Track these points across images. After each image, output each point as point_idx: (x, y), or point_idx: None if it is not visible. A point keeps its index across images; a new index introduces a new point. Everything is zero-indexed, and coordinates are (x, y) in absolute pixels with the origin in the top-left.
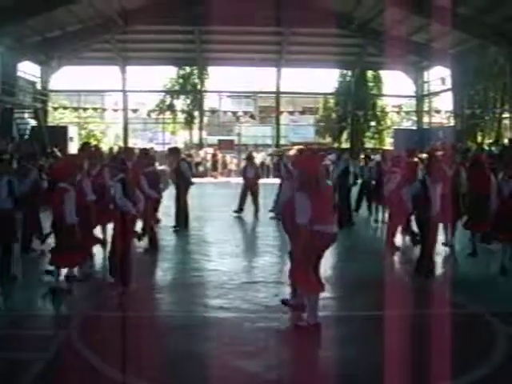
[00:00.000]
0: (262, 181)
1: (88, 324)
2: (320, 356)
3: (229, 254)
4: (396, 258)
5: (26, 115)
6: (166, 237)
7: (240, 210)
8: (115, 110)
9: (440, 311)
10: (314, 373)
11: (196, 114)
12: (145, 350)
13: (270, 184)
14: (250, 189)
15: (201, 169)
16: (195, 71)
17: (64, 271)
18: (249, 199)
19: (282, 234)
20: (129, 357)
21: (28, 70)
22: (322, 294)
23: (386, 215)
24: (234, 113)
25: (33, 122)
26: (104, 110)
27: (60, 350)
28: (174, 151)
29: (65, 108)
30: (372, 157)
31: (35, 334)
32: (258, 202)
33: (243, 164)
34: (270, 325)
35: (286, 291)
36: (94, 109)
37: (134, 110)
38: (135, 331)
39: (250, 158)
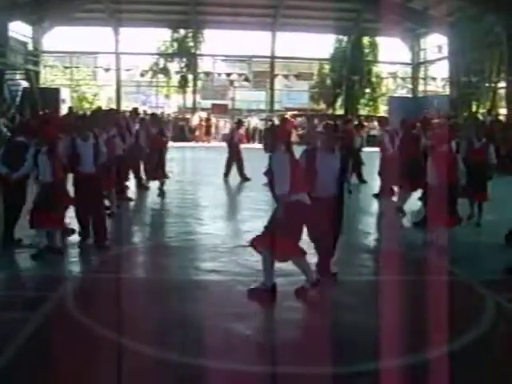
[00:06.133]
0: (254, 145)
1: (80, 286)
2: (311, 319)
3: (221, 217)
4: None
5: (18, 76)
6: (159, 201)
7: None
8: (107, 70)
9: (430, 278)
10: (304, 335)
11: (190, 77)
12: (137, 311)
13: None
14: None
15: (197, 133)
16: (190, 34)
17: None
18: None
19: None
20: (121, 318)
21: (19, 30)
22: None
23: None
24: (228, 75)
25: (24, 84)
26: (96, 67)
27: (52, 311)
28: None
29: (57, 68)
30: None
31: (28, 295)
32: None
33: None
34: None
35: None
36: (87, 67)
37: (128, 70)
38: (127, 294)
39: (239, 124)
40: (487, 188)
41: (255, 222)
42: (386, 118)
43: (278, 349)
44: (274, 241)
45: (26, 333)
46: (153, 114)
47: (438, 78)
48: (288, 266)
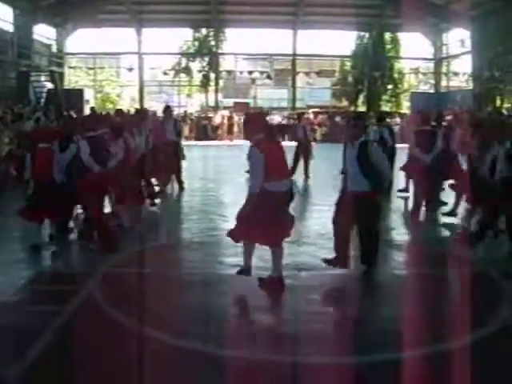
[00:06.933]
0: None
1: (107, 280)
2: (333, 311)
3: None
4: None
5: (43, 78)
6: (183, 198)
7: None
8: (130, 70)
9: (452, 271)
10: (327, 326)
11: (212, 76)
12: (163, 304)
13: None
14: None
15: (219, 132)
16: (211, 33)
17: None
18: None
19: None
20: (147, 310)
21: (43, 32)
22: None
23: None
24: (250, 72)
25: (49, 85)
26: (119, 67)
27: (82, 305)
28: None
29: (81, 69)
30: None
31: (58, 289)
32: None
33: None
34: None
35: (300, 250)
36: (110, 67)
37: (151, 69)
38: (153, 288)
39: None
40: None
41: None
42: (383, 113)
43: (300, 339)
44: (256, 229)
45: (57, 324)
46: (137, 111)
47: (460, 73)
48: (309, 260)
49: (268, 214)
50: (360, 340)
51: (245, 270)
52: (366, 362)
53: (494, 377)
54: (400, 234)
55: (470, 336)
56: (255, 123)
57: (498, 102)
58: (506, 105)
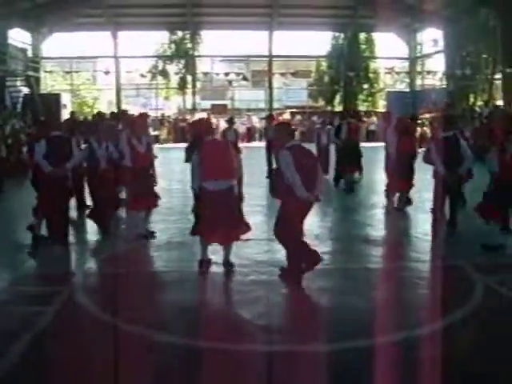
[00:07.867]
0: (253, 144)
1: (89, 280)
2: (308, 304)
3: None
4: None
5: (19, 83)
6: (162, 199)
7: None
8: (106, 73)
9: (422, 264)
10: (302, 319)
11: (189, 78)
12: (143, 301)
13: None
14: None
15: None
16: (187, 36)
17: None
18: None
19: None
20: (128, 307)
21: (19, 37)
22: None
23: None
24: (227, 74)
25: (25, 90)
26: (95, 71)
27: (64, 304)
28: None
29: (57, 73)
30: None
31: (42, 290)
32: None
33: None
34: (260, 278)
35: (277, 247)
36: (87, 71)
37: (127, 72)
38: (133, 286)
39: (230, 122)
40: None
41: (254, 217)
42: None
43: (275, 330)
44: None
45: (40, 324)
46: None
47: (434, 72)
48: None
49: (208, 212)
50: (332, 329)
51: (203, 262)
52: (336, 349)
53: (462, 360)
54: (372, 229)
55: (437, 324)
56: (201, 127)
57: (472, 100)
58: (479, 102)
